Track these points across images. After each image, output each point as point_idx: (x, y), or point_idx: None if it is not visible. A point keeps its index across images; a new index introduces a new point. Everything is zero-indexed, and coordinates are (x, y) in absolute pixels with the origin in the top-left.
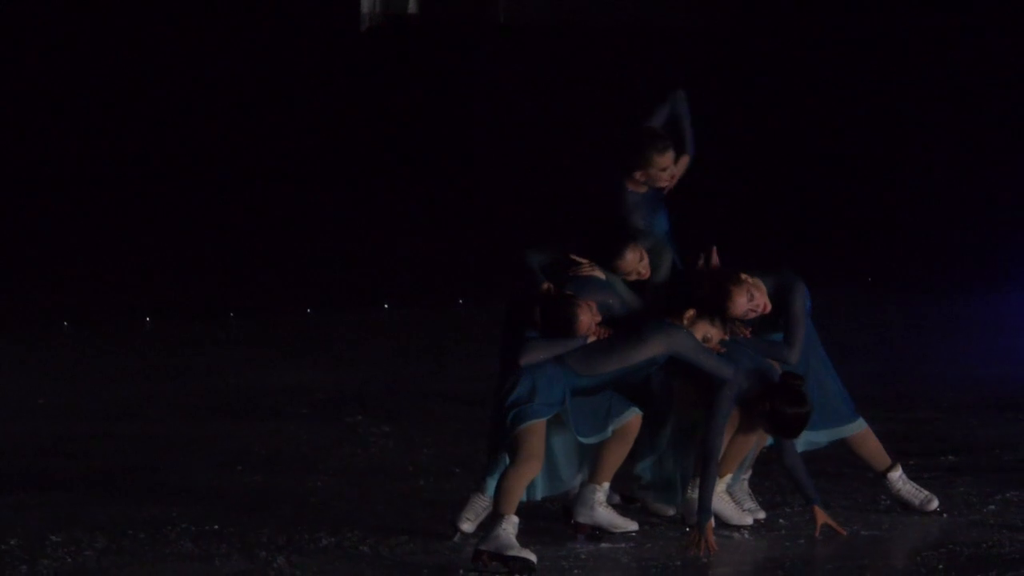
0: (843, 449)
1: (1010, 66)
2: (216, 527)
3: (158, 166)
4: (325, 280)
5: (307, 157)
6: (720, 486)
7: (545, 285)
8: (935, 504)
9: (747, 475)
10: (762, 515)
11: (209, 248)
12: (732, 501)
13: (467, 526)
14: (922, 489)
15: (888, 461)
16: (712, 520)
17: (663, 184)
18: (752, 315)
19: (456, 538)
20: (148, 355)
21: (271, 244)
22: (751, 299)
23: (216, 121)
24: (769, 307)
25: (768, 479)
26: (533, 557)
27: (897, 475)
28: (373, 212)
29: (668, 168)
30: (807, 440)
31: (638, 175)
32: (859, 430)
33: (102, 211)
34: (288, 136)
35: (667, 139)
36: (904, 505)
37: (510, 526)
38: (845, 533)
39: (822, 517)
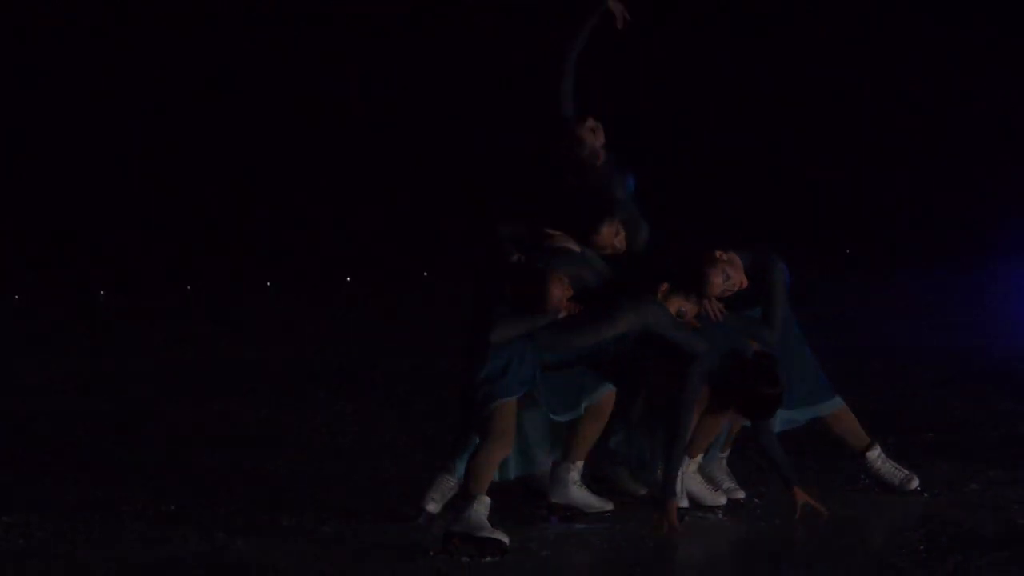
0: (820, 427)
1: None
2: (172, 508)
3: (114, 139)
4: (284, 252)
5: (266, 130)
6: (692, 466)
7: (516, 258)
8: (915, 483)
9: (725, 454)
10: (741, 495)
11: (163, 219)
12: (705, 481)
13: (433, 507)
14: (902, 468)
15: (866, 440)
16: (677, 500)
17: (600, 139)
18: (728, 294)
19: (421, 519)
20: (100, 329)
21: (227, 215)
22: (727, 278)
23: (173, 94)
24: (746, 283)
25: (743, 458)
26: (505, 538)
27: (876, 454)
28: (334, 182)
29: (595, 129)
30: (785, 419)
31: (584, 156)
32: (836, 408)
33: (54, 181)
34: (246, 110)
35: (575, 118)
36: (883, 485)
37: (481, 507)
38: (826, 513)
39: (802, 497)
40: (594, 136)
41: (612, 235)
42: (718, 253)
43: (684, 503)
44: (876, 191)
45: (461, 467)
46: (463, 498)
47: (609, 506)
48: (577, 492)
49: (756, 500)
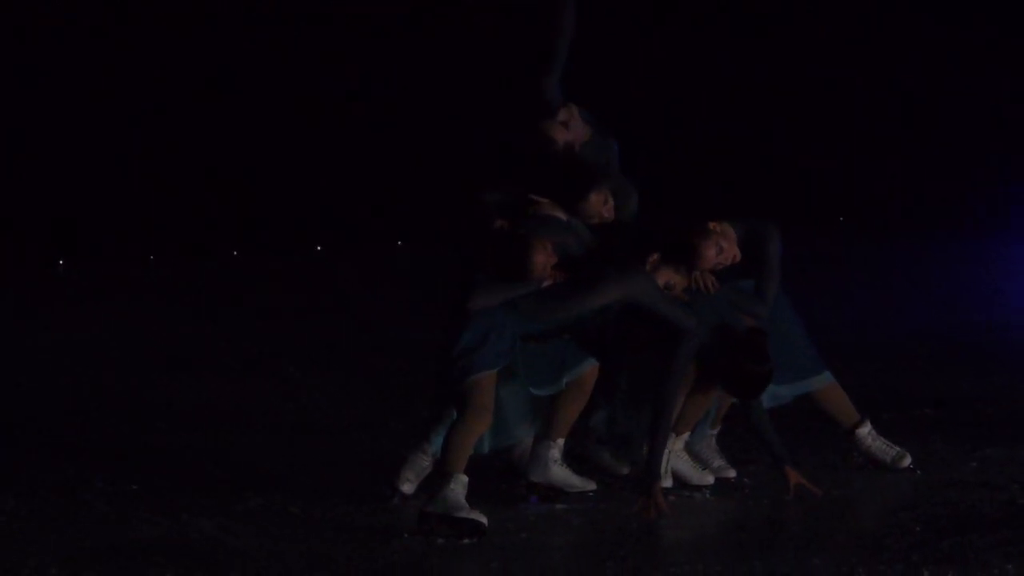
0: (810, 403)
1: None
2: (135, 488)
3: (76, 106)
4: (251, 220)
5: (233, 98)
6: (678, 444)
7: (498, 223)
8: (907, 461)
9: (715, 431)
10: (732, 473)
11: (125, 186)
12: (691, 460)
13: (407, 487)
14: (893, 445)
15: (856, 416)
16: (662, 481)
17: (575, 131)
18: (721, 267)
19: (395, 500)
20: (60, 301)
21: (192, 181)
22: (720, 251)
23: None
24: (739, 256)
25: (733, 436)
26: (483, 519)
27: (866, 431)
28: (304, 148)
29: (567, 122)
30: (772, 394)
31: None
32: (825, 383)
33: (13, 148)
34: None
35: (556, 111)
36: (874, 463)
37: (459, 486)
38: (820, 494)
39: (795, 477)
40: (565, 130)
41: (600, 203)
42: (712, 224)
43: (668, 483)
44: (872, 175)
45: (438, 443)
46: (439, 476)
47: (591, 486)
48: (558, 471)
49: (746, 480)
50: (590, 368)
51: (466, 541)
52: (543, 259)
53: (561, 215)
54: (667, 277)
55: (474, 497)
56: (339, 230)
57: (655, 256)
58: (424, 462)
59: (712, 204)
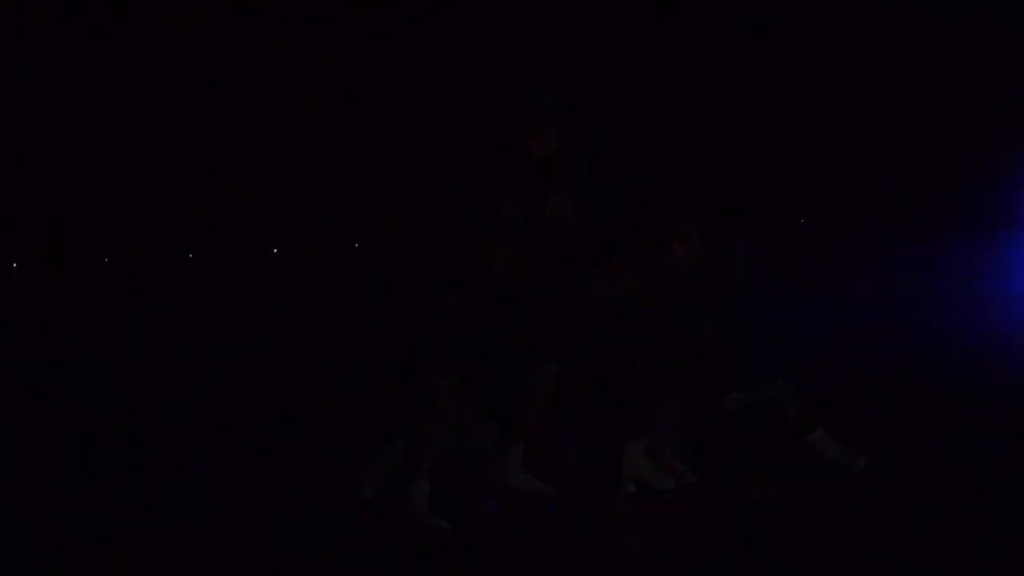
0: (768, 407)
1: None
2: (92, 493)
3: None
4: (205, 218)
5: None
6: (638, 448)
7: (461, 226)
8: (862, 464)
9: (675, 435)
10: (692, 479)
11: (81, 186)
12: (653, 464)
13: (365, 491)
14: (847, 449)
15: (810, 421)
16: (626, 487)
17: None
18: (686, 269)
19: (353, 504)
20: (17, 303)
21: (139, 176)
22: (686, 254)
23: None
24: (704, 260)
25: (693, 440)
26: (445, 524)
27: (819, 436)
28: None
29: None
30: (729, 400)
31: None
32: (780, 389)
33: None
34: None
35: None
36: (830, 466)
37: (419, 490)
38: (780, 499)
39: (754, 482)
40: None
41: (562, 207)
42: (679, 227)
43: (631, 488)
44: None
45: (397, 446)
46: (400, 481)
47: (550, 491)
48: (518, 476)
49: (705, 484)
50: (552, 372)
51: (428, 547)
52: (502, 262)
53: (521, 217)
54: (628, 281)
55: (433, 501)
56: (297, 227)
57: (615, 262)
58: (383, 466)
59: (681, 205)
